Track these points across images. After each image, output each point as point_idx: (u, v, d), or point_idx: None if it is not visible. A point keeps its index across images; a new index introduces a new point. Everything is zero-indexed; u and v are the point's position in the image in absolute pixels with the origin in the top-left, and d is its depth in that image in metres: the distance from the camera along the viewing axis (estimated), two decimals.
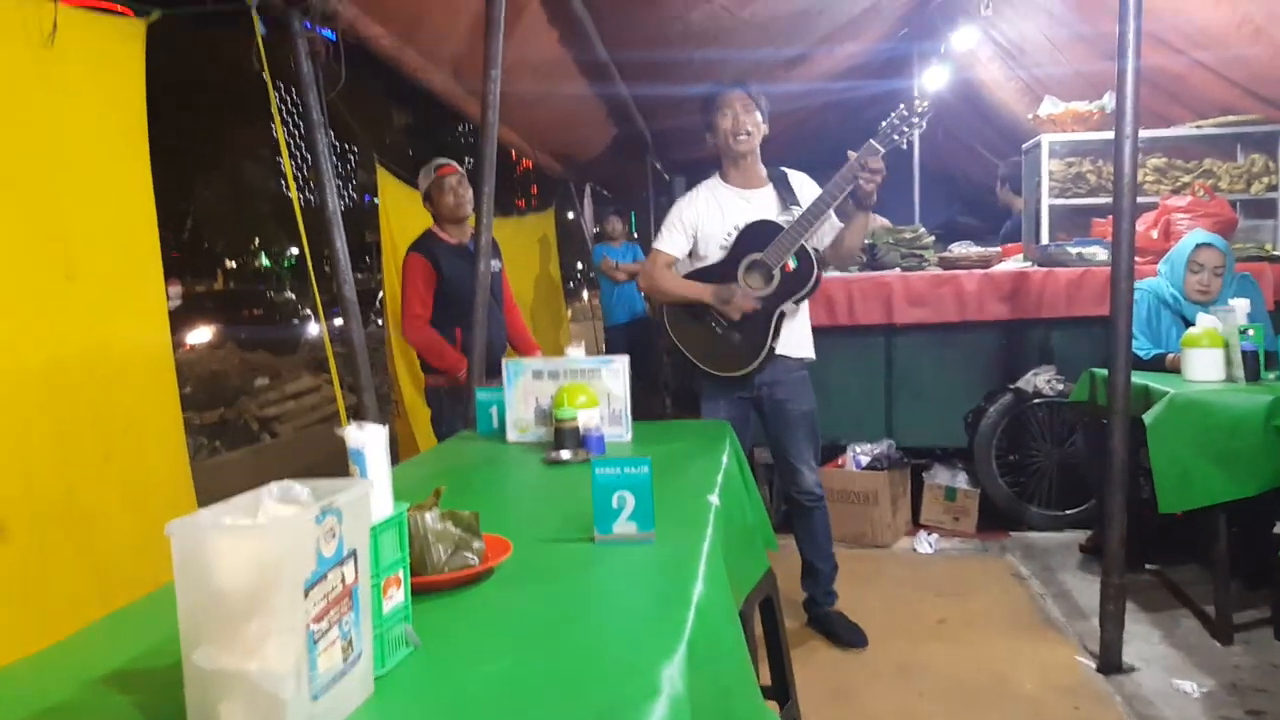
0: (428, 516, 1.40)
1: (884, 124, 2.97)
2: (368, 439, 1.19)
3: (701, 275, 3.20)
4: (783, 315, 3.11)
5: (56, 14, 2.31)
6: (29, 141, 2.34)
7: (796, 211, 3.08)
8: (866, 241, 5.03)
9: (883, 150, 2.93)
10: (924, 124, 2.96)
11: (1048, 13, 5.28)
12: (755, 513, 2.52)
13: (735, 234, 3.13)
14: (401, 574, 1.17)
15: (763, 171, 3.25)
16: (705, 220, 3.21)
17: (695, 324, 3.19)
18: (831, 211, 3.08)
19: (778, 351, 3.15)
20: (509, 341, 4.26)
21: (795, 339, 3.22)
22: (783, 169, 3.26)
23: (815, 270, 3.07)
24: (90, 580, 2.43)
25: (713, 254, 3.19)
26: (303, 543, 0.91)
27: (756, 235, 3.08)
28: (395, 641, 1.13)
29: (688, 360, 3.24)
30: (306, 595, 0.91)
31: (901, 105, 2.97)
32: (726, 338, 3.14)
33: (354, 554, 1.00)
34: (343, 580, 0.98)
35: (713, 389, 3.26)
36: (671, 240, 3.24)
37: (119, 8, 2.72)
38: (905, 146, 2.99)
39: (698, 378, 3.28)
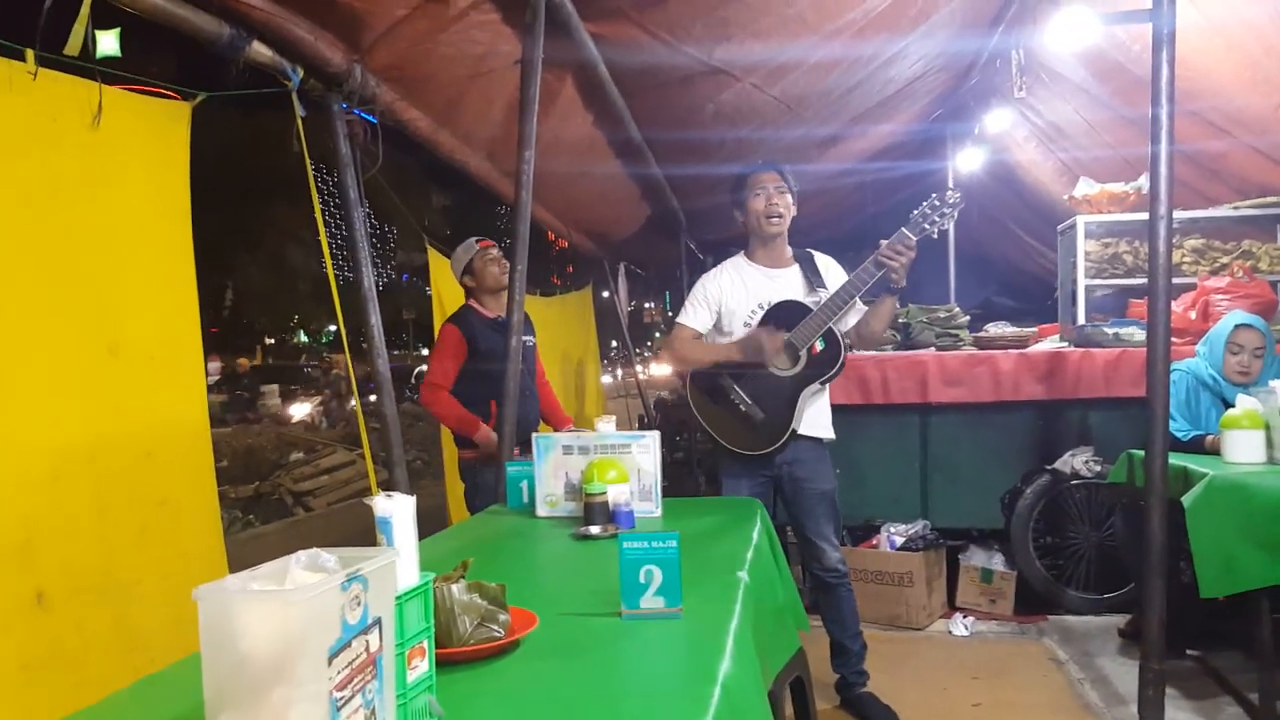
0: (454, 588, 1.40)
1: (915, 212, 3.00)
2: (395, 508, 1.20)
3: None
4: (804, 396, 3.10)
5: (101, 96, 2.41)
6: (75, 218, 2.43)
7: (822, 293, 3.10)
8: (900, 320, 5.03)
9: (914, 238, 2.95)
10: (956, 214, 2.99)
11: (1084, 93, 5.34)
12: (786, 591, 2.48)
13: (760, 312, 3.14)
14: (426, 644, 1.17)
15: (789, 251, 3.28)
16: (730, 296, 3.23)
17: (719, 402, 3.18)
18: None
19: (799, 431, 3.14)
20: (541, 415, 4.28)
21: (816, 420, 3.21)
22: (809, 250, 3.29)
23: (842, 354, 3.07)
24: (126, 651, 2.44)
25: (737, 331, 3.19)
26: (327, 610, 0.91)
27: (784, 315, 3.09)
28: (419, 712, 1.12)
29: (711, 438, 3.24)
30: (330, 663, 0.91)
31: (934, 195, 3.00)
32: (750, 416, 3.13)
33: (379, 623, 1.00)
34: (367, 649, 0.98)
35: (735, 467, 3.24)
36: (695, 315, 3.25)
37: (165, 90, 2.83)
38: (936, 236, 3.02)
39: (720, 456, 3.27)
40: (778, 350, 3.06)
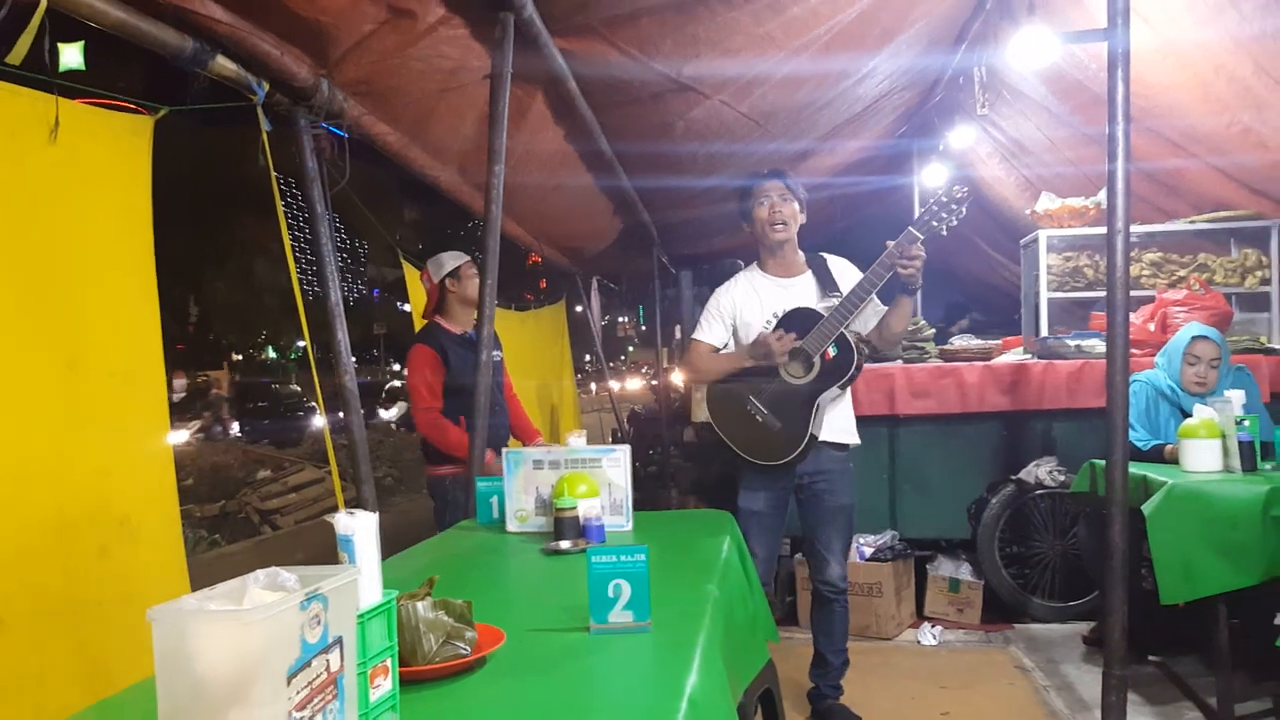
0: (419, 605, 1.39)
1: (922, 210, 2.99)
2: (357, 526, 1.19)
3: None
4: (820, 403, 3.08)
5: (58, 109, 2.38)
6: (34, 232, 2.38)
7: (836, 298, 3.08)
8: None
9: (921, 237, 2.95)
10: (964, 210, 2.96)
11: (1045, 110, 5.43)
12: (756, 603, 2.49)
13: (775, 321, 3.12)
14: (389, 662, 1.16)
15: (801, 258, 3.27)
16: (744, 309, 3.23)
17: (737, 413, 3.15)
18: (875, 296, 3.08)
19: (820, 438, 3.12)
20: (510, 429, 4.27)
21: (838, 424, 3.20)
22: (822, 255, 3.28)
23: (855, 358, 3.05)
24: (87, 675, 2.38)
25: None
26: (286, 629, 0.90)
27: (797, 322, 3.07)
28: None
29: (730, 449, 3.20)
30: (289, 683, 0.90)
31: (940, 192, 2.98)
32: (767, 426, 3.10)
33: (339, 641, 0.99)
34: (327, 668, 0.97)
35: (753, 478, 3.22)
36: (710, 330, 3.26)
37: (128, 104, 2.80)
38: (945, 233, 3.00)
39: (739, 466, 3.23)
40: (785, 349, 3.02)
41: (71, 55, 2.40)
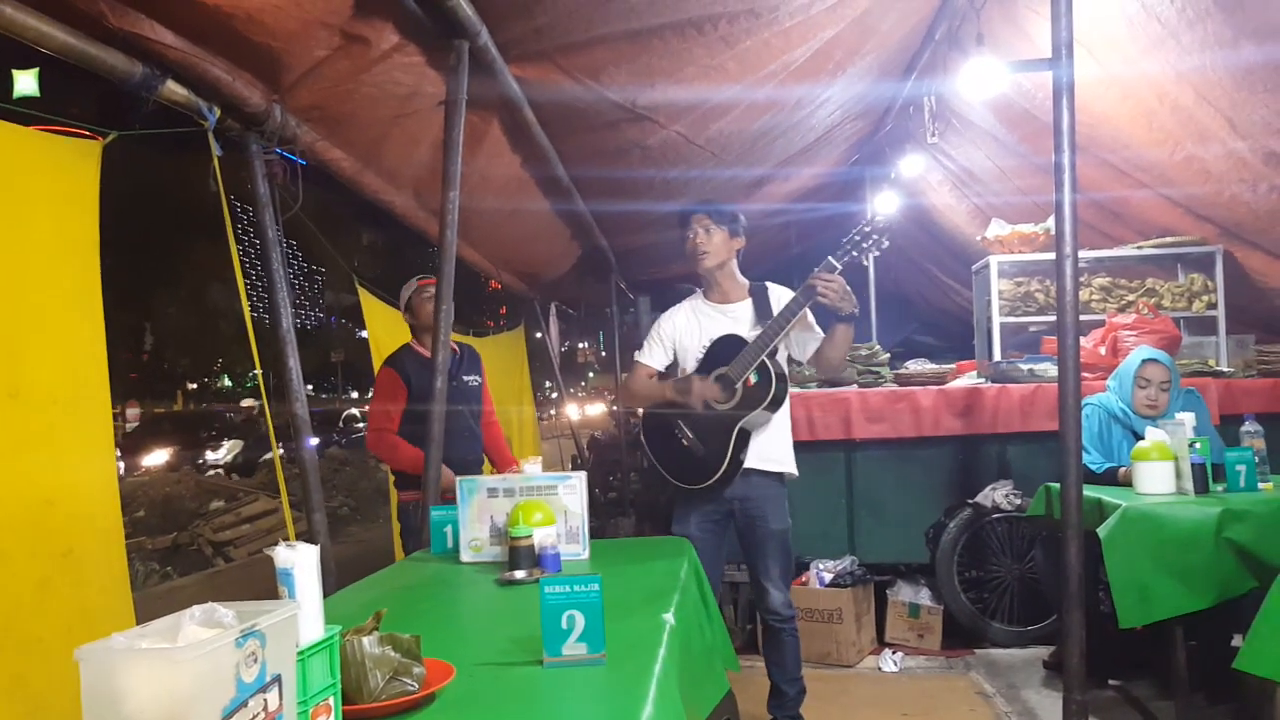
0: (365, 640, 1.35)
1: (845, 240, 3.06)
2: (297, 559, 1.16)
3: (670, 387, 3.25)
4: (745, 429, 3.12)
5: None
6: None
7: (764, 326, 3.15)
8: None
9: (839, 266, 3.01)
10: (884, 240, 3.04)
11: (994, 140, 5.54)
12: (715, 632, 2.47)
13: (709, 346, 3.20)
14: (333, 701, 1.12)
15: (743, 285, 3.33)
16: (683, 334, 3.30)
17: (665, 437, 3.22)
18: (814, 324, 3.18)
19: (748, 464, 3.15)
20: (486, 455, 4.22)
21: (769, 452, 3.22)
22: (765, 283, 3.34)
23: (774, 385, 3.10)
24: (24, 714, 2.30)
25: (690, 367, 3.26)
26: (220, 668, 0.87)
27: (724, 349, 3.15)
28: None
29: (660, 474, 3.28)
30: None
31: (862, 223, 3.07)
32: (692, 450, 3.17)
33: (278, 679, 0.96)
34: (265, 708, 0.94)
35: (683, 502, 3.27)
36: (651, 353, 3.34)
37: (75, 129, 2.75)
38: (866, 263, 3.09)
39: (669, 491, 3.30)
40: (704, 391, 3.10)
41: (26, 82, 2.38)
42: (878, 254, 3.11)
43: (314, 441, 3.46)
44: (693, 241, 3.25)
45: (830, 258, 3.02)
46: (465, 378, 4.10)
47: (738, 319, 3.25)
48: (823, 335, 3.20)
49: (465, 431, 4.00)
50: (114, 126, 2.84)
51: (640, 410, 3.43)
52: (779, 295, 3.28)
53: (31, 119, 2.47)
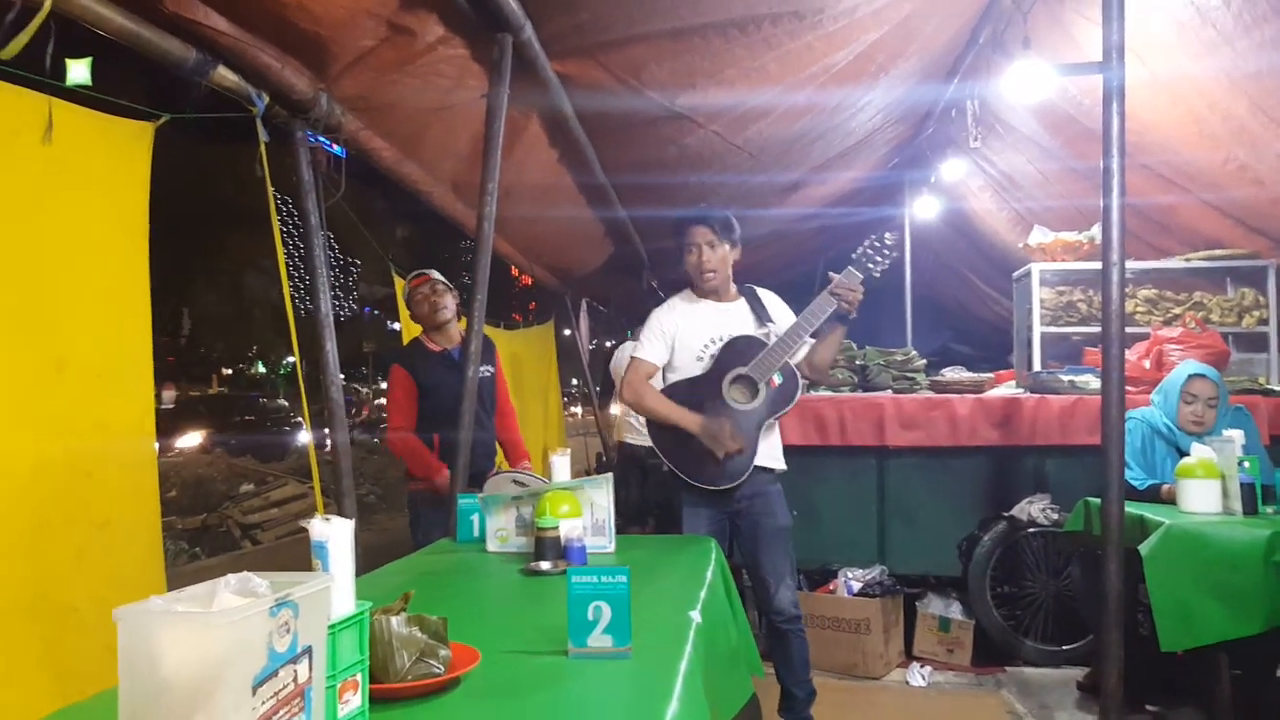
0: (393, 620, 1.35)
1: (859, 251, 3.06)
2: (332, 532, 1.16)
3: (684, 388, 3.18)
4: (764, 429, 3.12)
5: (51, 111, 2.37)
6: (28, 231, 2.38)
7: (771, 327, 3.14)
8: (857, 363, 5.07)
9: (861, 276, 3.03)
10: (894, 254, 3.06)
11: (1036, 145, 5.47)
12: (740, 634, 2.45)
13: (714, 346, 3.15)
14: (360, 677, 1.12)
15: (733, 287, 3.31)
16: (683, 330, 3.22)
17: (682, 439, 3.13)
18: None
19: (757, 464, 3.14)
20: (500, 444, 4.22)
21: (770, 451, 3.22)
22: (750, 286, 3.32)
23: (799, 387, 3.10)
24: (56, 679, 2.33)
25: (686, 365, 3.18)
26: (253, 636, 0.87)
27: (741, 350, 3.11)
28: None
29: (671, 472, 3.20)
30: (254, 692, 0.87)
31: (873, 236, 3.07)
32: (713, 451, 3.09)
33: (309, 651, 0.95)
34: (295, 679, 0.93)
35: (695, 501, 3.19)
36: (653, 349, 3.23)
37: (130, 108, 2.79)
38: (878, 275, 3.07)
39: (682, 491, 3.21)
40: (733, 449, 3.04)
41: (78, 71, 2.42)
42: (886, 268, 3.09)
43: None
44: (696, 259, 3.17)
45: (852, 268, 3.03)
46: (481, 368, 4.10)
47: (736, 317, 3.22)
48: (813, 341, 3.17)
49: (479, 424, 3.99)
50: (156, 109, 2.88)
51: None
52: (768, 298, 3.27)
53: (88, 100, 2.51)
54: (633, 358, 3.27)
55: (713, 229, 3.17)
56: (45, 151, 2.38)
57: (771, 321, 3.17)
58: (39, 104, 2.36)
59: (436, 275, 4.01)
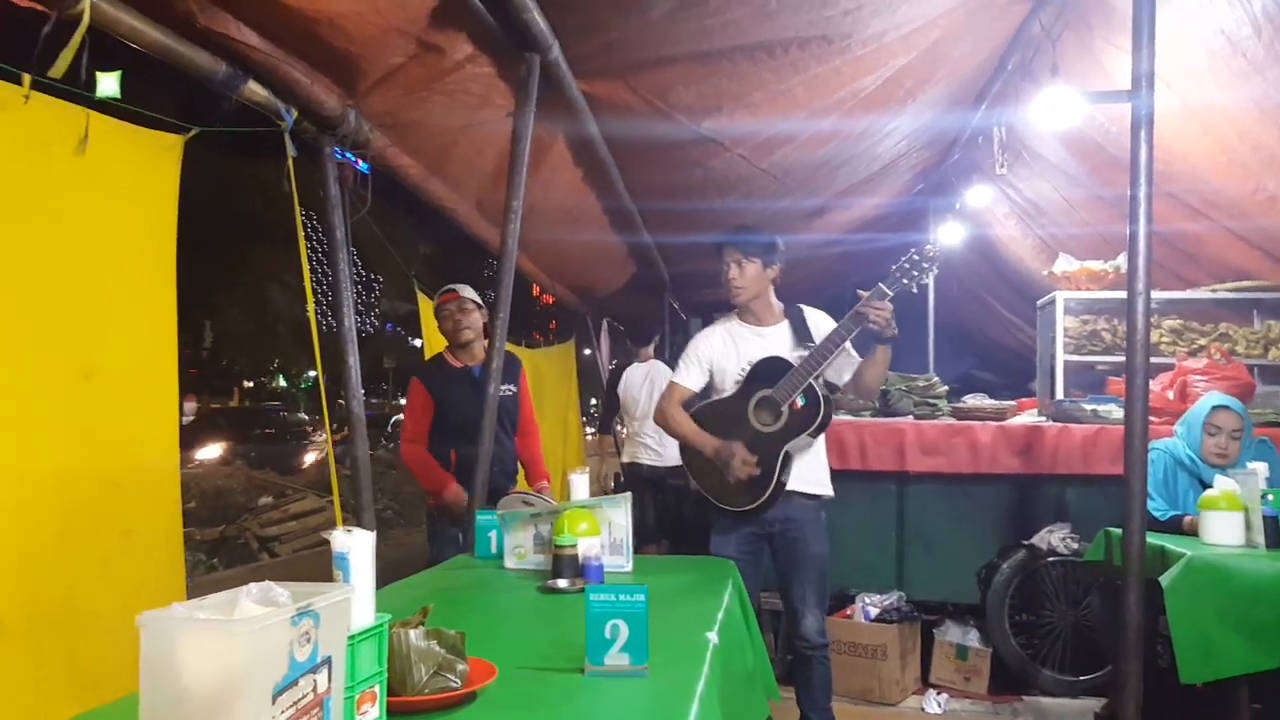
0: (411, 633, 1.35)
1: (894, 267, 3.02)
2: (354, 544, 1.16)
3: (712, 409, 3.22)
4: (789, 452, 3.09)
5: (88, 122, 2.41)
6: (59, 241, 2.41)
7: (810, 348, 3.11)
8: (880, 388, 5.04)
9: (890, 293, 2.98)
10: (934, 269, 3.00)
11: (1063, 172, 5.45)
12: (757, 657, 2.43)
13: (748, 369, 3.16)
14: (378, 689, 1.12)
15: (777, 309, 3.30)
16: (720, 356, 3.26)
17: (708, 459, 3.17)
18: (850, 347, 3.12)
19: (789, 487, 3.12)
20: (521, 466, 4.21)
21: (809, 474, 3.19)
22: (800, 306, 3.31)
23: (821, 409, 3.06)
24: (79, 686, 2.35)
25: (729, 388, 3.22)
26: (275, 645, 0.87)
27: (767, 372, 3.11)
28: None
29: (701, 493, 3.24)
30: (274, 701, 0.87)
31: (913, 250, 3.03)
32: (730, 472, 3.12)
33: (329, 662, 0.96)
34: (314, 689, 0.93)
35: (723, 523, 3.23)
36: (688, 375, 3.28)
37: (159, 119, 2.83)
38: (915, 290, 3.04)
39: (709, 511, 3.25)
40: (745, 473, 3.06)
41: (108, 84, 2.45)
42: (925, 282, 3.06)
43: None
44: (727, 275, 3.22)
45: (881, 284, 2.99)
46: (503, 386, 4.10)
47: (775, 341, 3.22)
48: (860, 360, 3.16)
49: (498, 442, 3.99)
50: (184, 122, 2.91)
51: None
52: (815, 318, 3.26)
53: (118, 112, 2.55)
54: (670, 382, 3.34)
55: (739, 249, 3.20)
56: (78, 163, 2.42)
57: (813, 342, 3.14)
58: (76, 116, 2.40)
59: (468, 293, 3.99)
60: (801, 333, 3.21)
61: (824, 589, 3.27)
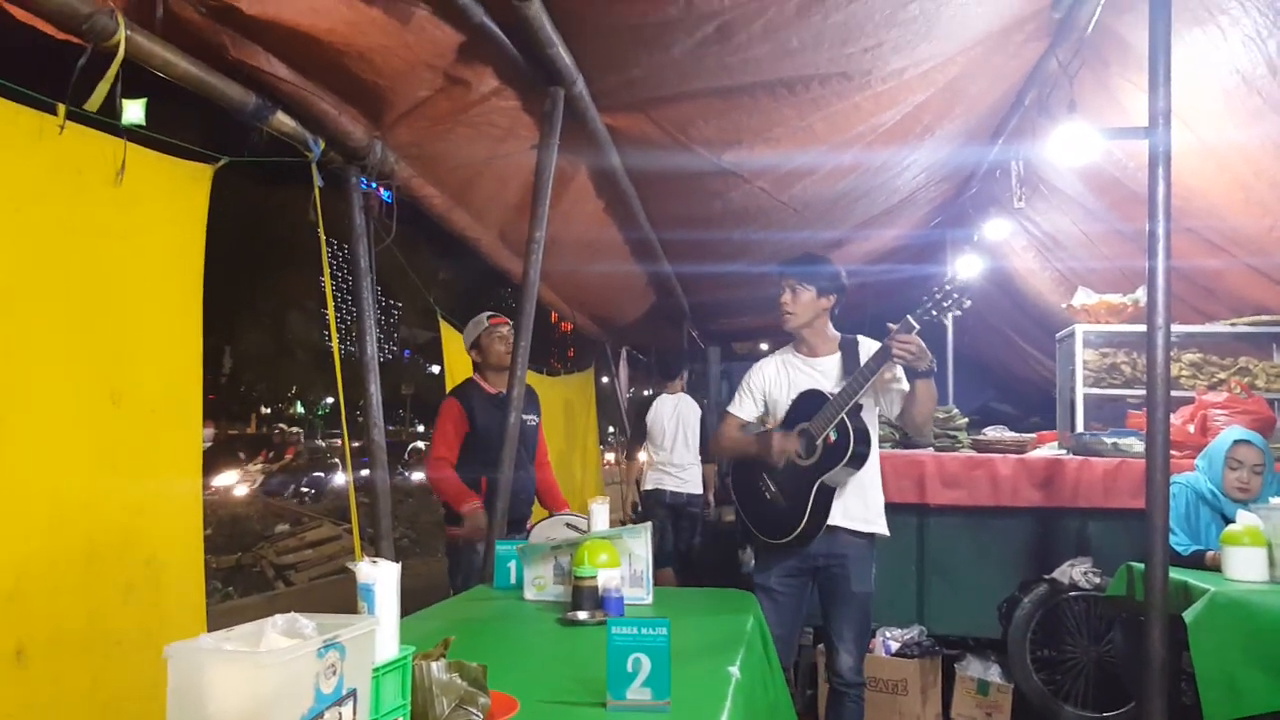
0: (433, 666, 1.35)
1: (924, 298, 3.01)
2: (379, 575, 1.17)
3: (756, 440, 3.27)
4: (824, 486, 3.07)
5: (125, 153, 2.46)
6: (90, 268, 2.45)
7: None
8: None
9: (917, 326, 2.96)
10: (964, 300, 3.00)
11: (1081, 206, 5.44)
12: (778, 693, 2.41)
13: (793, 401, 3.20)
14: None
15: (833, 339, 3.30)
16: (773, 387, 3.31)
17: (751, 489, 3.24)
18: (903, 379, 3.12)
19: (834, 522, 3.10)
20: (538, 496, 4.23)
21: (854, 510, 3.16)
22: (856, 337, 3.30)
23: (851, 443, 3.03)
24: (101, 713, 2.36)
25: (780, 419, 3.26)
26: (301, 676, 0.88)
27: (807, 405, 3.13)
28: None
29: (744, 523, 3.31)
30: None
31: (943, 282, 3.03)
32: (774, 503, 3.16)
33: (354, 694, 0.96)
34: None
35: (766, 556, 3.26)
36: (741, 405, 3.35)
37: (188, 149, 2.88)
38: (945, 322, 3.05)
39: (754, 540, 3.32)
40: (785, 449, 3.09)
41: (134, 111, 2.50)
42: (958, 313, 3.08)
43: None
44: (780, 301, 3.26)
45: (909, 316, 2.97)
46: (524, 417, 4.12)
47: (825, 373, 3.23)
48: (907, 390, 3.14)
49: (519, 470, 4.01)
50: (211, 152, 2.97)
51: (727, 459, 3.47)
52: (869, 349, 3.22)
53: (147, 141, 2.60)
54: (725, 411, 3.43)
55: (794, 276, 3.25)
56: (110, 192, 2.47)
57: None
58: (109, 145, 2.45)
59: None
60: (851, 365, 3.19)
61: (865, 628, 3.24)
